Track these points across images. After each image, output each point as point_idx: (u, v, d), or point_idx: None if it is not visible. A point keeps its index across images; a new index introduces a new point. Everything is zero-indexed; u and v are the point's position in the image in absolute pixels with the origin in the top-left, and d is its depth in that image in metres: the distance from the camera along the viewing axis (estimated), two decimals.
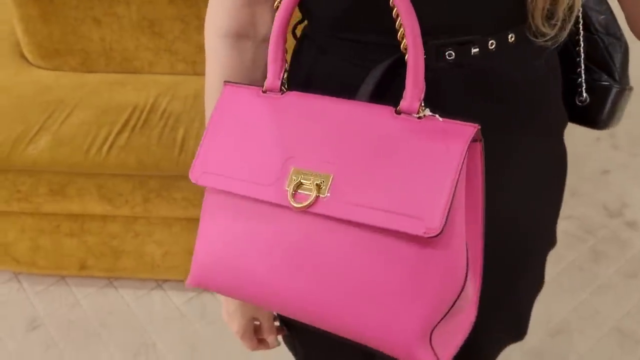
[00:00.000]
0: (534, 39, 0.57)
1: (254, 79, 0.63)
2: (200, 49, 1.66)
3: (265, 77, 0.58)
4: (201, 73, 1.68)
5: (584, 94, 0.68)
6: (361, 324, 0.51)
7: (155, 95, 1.58)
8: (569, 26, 0.58)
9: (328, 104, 0.54)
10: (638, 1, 0.54)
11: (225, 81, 0.61)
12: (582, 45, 0.67)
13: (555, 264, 1.68)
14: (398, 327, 0.49)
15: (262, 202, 0.54)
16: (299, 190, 0.51)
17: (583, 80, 0.67)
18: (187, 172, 0.60)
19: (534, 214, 0.69)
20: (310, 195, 0.51)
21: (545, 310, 1.54)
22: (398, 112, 0.51)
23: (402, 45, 0.51)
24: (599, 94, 0.68)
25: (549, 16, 0.56)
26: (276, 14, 0.55)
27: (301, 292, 0.52)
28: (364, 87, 0.56)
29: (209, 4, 0.65)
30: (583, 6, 0.66)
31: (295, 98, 0.56)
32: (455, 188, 0.47)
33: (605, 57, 0.67)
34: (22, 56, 1.75)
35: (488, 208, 0.55)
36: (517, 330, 0.80)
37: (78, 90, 1.61)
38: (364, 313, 0.50)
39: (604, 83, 0.67)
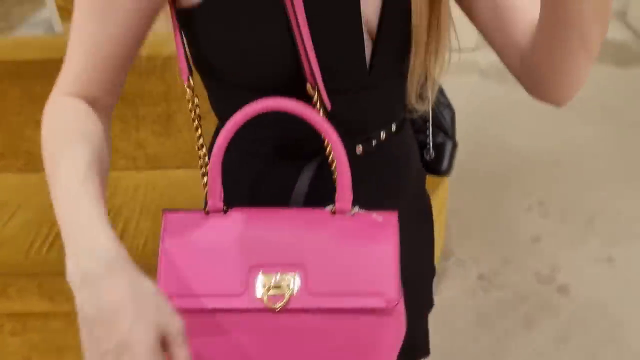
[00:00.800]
0: (408, 116, 0.76)
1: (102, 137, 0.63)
2: (139, 145, 1.75)
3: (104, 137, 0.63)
4: (143, 168, 1.77)
5: (431, 151, 0.87)
6: None
7: None
8: (433, 98, 0.76)
9: (271, 215, 0.63)
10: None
11: (163, 209, 0.63)
12: (430, 124, 0.86)
13: (489, 331, 1.74)
14: None
15: (235, 310, 0.59)
16: (270, 293, 0.58)
17: (430, 140, 0.86)
18: None
19: (418, 253, 0.88)
20: (284, 294, 0.58)
21: None
22: (334, 213, 0.62)
23: (327, 152, 0.62)
24: (439, 149, 0.87)
25: (420, 96, 0.73)
26: (216, 141, 0.59)
27: None
28: (300, 187, 0.68)
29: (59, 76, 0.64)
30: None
31: (240, 214, 0.62)
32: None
33: (441, 121, 0.87)
34: None
35: None
36: (415, 346, 0.92)
37: (21, 191, 1.67)
38: None
39: (441, 141, 0.87)
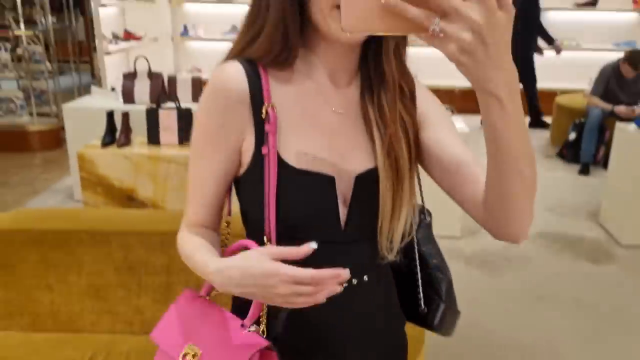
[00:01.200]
0: (380, 262, 0.94)
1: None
2: (138, 311, 1.90)
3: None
4: (138, 333, 1.89)
5: (423, 306, 1.03)
6: None
7: (92, 353, 1.76)
8: (395, 253, 0.93)
9: (209, 311, 0.93)
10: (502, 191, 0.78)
11: (184, 287, 0.98)
12: (419, 275, 1.03)
13: None
14: None
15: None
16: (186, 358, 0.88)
17: (422, 299, 1.03)
18: None
19: None
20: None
21: None
22: (243, 325, 0.86)
23: None
24: (431, 307, 1.03)
25: (390, 248, 0.93)
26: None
27: None
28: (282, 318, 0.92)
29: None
30: (422, 252, 1.04)
31: (199, 302, 0.95)
32: None
33: (434, 285, 1.03)
34: None
35: None
36: None
37: (22, 348, 1.78)
38: None
39: (435, 299, 1.03)
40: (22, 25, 5.34)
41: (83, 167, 3.56)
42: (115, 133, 3.68)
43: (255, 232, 0.91)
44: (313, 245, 0.77)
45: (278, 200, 0.86)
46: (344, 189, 0.90)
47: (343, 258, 0.89)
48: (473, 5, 0.59)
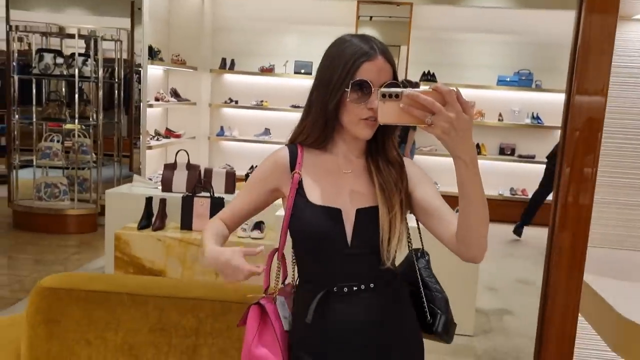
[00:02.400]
0: (381, 268, 1.35)
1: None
2: None
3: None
4: None
5: (429, 317, 1.45)
6: None
7: None
8: (389, 263, 1.35)
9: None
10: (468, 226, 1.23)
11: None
12: (423, 294, 1.46)
13: None
14: None
15: None
16: None
17: (427, 312, 1.45)
18: None
19: None
20: None
21: None
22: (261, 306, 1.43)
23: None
24: (435, 318, 1.45)
25: (388, 258, 1.34)
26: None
27: None
28: (312, 306, 1.35)
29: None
30: (425, 281, 1.47)
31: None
32: None
33: (436, 303, 1.47)
34: None
35: None
36: None
37: None
38: None
39: (437, 312, 1.46)
40: (76, 120, 5.85)
41: (118, 247, 3.82)
42: (151, 218, 3.97)
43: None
44: (259, 248, 1.27)
45: (294, 223, 1.39)
46: (349, 218, 1.37)
47: (350, 266, 1.36)
48: (449, 109, 1.08)
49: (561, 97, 2.29)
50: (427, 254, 1.54)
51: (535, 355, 2.21)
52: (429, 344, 1.49)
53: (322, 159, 1.42)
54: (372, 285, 1.37)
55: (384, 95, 1.10)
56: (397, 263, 1.45)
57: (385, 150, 1.40)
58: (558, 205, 2.09)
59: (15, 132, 6.06)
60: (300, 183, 1.39)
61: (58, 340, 2.07)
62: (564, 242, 2.05)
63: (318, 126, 1.37)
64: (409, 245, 1.48)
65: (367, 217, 1.36)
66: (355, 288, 1.36)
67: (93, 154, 6.06)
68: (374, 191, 1.37)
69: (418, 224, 1.47)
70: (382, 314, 1.38)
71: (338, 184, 1.39)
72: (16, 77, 5.91)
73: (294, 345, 1.43)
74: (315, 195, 1.38)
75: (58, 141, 6.09)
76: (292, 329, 1.45)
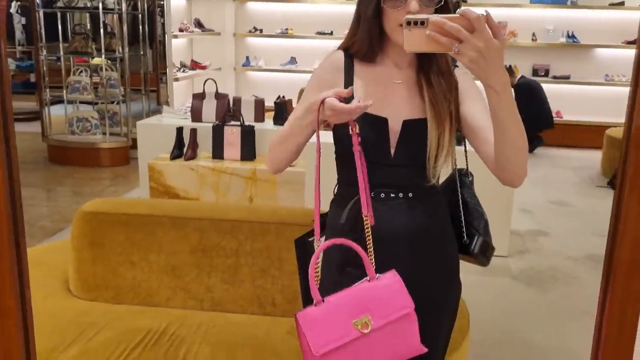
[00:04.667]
0: (425, 184, 1.33)
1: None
2: (208, 290, 2.11)
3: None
4: (208, 309, 2.10)
5: (465, 238, 1.43)
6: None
7: (167, 324, 1.97)
8: (436, 179, 1.34)
9: (346, 291, 1.21)
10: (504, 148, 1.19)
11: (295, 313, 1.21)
12: (462, 214, 1.43)
13: None
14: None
15: (350, 341, 1.16)
16: (360, 327, 1.16)
17: (464, 232, 1.43)
18: None
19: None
20: (367, 325, 1.17)
21: None
22: (369, 280, 1.22)
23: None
24: (472, 239, 1.43)
25: (433, 175, 1.32)
26: (312, 257, 1.21)
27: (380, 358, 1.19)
28: (347, 208, 1.33)
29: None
30: (467, 202, 1.43)
31: (332, 299, 1.20)
32: None
33: (474, 224, 1.43)
34: (67, 289, 2.21)
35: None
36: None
37: (107, 315, 2.02)
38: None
39: (475, 233, 1.43)
40: (102, 54, 5.82)
41: (152, 178, 3.87)
42: (183, 148, 3.99)
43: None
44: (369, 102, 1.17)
45: (339, 127, 1.33)
46: (394, 129, 1.33)
47: (391, 178, 1.34)
48: (478, 36, 1.00)
49: (599, 14, 2.16)
50: (472, 174, 1.50)
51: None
52: (463, 265, 1.47)
53: (373, 69, 1.37)
54: (410, 195, 1.34)
55: (409, 23, 1.05)
56: (440, 181, 1.42)
57: (436, 58, 1.34)
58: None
59: (44, 69, 6.08)
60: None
61: (103, 262, 2.13)
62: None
63: (365, 36, 1.33)
64: (453, 164, 1.43)
65: (413, 129, 1.32)
66: (392, 195, 1.34)
67: (121, 87, 6.06)
68: (423, 103, 1.33)
69: (465, 143, 1.44)
70: (419, 226, 1.35)
71: (387, 93, 1.35)
72: (41, 12, 5.86)
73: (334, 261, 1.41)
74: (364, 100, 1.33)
75: (86, 75, 6.09)
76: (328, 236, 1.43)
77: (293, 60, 7.81)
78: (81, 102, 6.29)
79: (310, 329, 1.16)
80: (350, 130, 1.25)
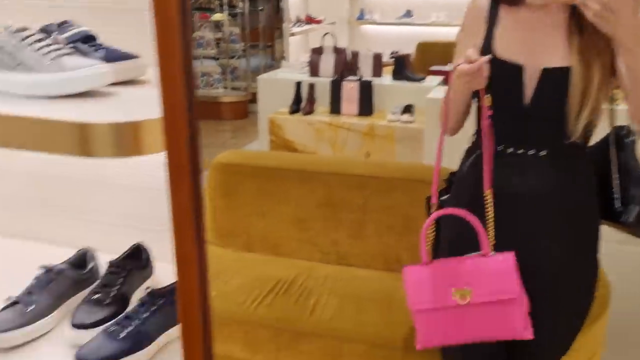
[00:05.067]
0: (564, 142, 1.22)
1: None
2: (334, 243, 2.15)
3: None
4: (333, 262, 2.15)
5: (619, 205, 1.28)
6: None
7: (295, 274, 2.05)
8: (576, 136, 1.21)
9: (460, 261, 1.21)
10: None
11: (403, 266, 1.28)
12: (616, 179, 1.28)
13: None
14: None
15: (446, 307, 1.19)
16: (458, 297, 1.17)
17: (619, 199, 1.28)
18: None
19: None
20: (466, 297, 1.17)
21: None
22: (483, 255, 1.20)
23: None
24: (628, 207, 1.27)
25: (574, 132, 1.20)
26: (428, 220, 1.27)
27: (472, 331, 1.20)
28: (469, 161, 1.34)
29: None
30: (628, 166, 1.29)
31: (437, 263, 1.24)
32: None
33: (632, 191, 1.27)
34: None
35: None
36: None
37: (239, 262, 2.13)
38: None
39: (629, 199, 1.27)
40: (225, 9, 5.98)
41: (272, 131, 3.97)
42: (301, 102, 4.04)
43: None
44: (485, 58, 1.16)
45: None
46: (532, 77, 1.22)
47: (523, 131, 1.24)
48: None
49: None
50: (634, 134, 1.33)
51: None
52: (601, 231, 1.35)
53: (517, 13, 1.27)
54: (544, 153, 1.23)
55: None
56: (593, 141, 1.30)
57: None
58: None
59: None
60: (490, 33, 1.27)
61: (235, 212, 2.23)
62: None
63: None
64: (612, 122, 1.30)
65: (555, 78, 1.20)
66: (520, 152, 1.24)
67: (241, 42, 6.22)
68: (570, 50, 1.19)
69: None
70: (548, 188, 1.24)
71: (528, 37, 1.24)
72: None
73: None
74: (500, 46, 1.25)
75: (210, 31, 6.31)
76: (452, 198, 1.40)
77: (408, 13, 7.58)
78: (204, 58, 6.54)
79: (411, 285, 1.22)
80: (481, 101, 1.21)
